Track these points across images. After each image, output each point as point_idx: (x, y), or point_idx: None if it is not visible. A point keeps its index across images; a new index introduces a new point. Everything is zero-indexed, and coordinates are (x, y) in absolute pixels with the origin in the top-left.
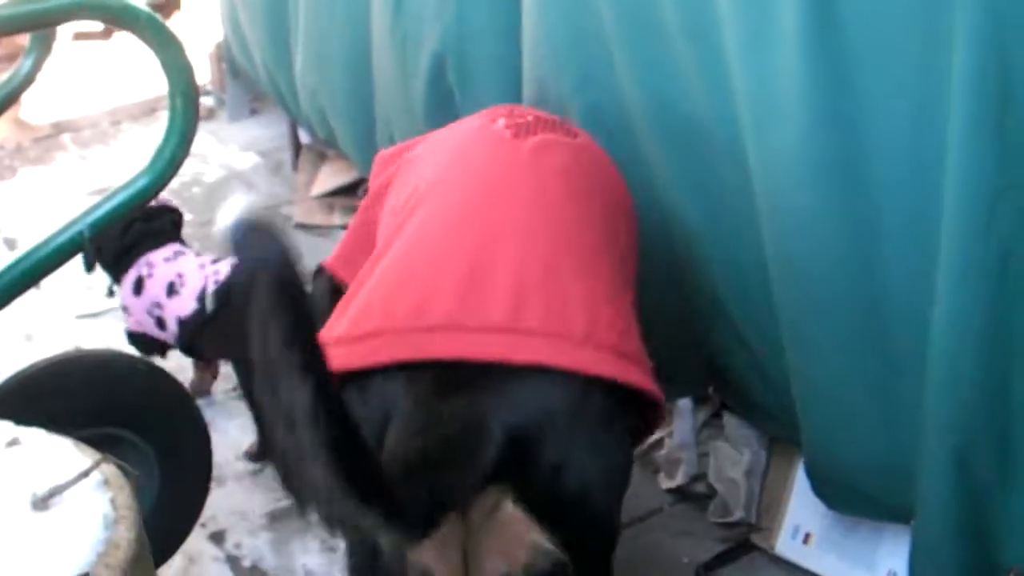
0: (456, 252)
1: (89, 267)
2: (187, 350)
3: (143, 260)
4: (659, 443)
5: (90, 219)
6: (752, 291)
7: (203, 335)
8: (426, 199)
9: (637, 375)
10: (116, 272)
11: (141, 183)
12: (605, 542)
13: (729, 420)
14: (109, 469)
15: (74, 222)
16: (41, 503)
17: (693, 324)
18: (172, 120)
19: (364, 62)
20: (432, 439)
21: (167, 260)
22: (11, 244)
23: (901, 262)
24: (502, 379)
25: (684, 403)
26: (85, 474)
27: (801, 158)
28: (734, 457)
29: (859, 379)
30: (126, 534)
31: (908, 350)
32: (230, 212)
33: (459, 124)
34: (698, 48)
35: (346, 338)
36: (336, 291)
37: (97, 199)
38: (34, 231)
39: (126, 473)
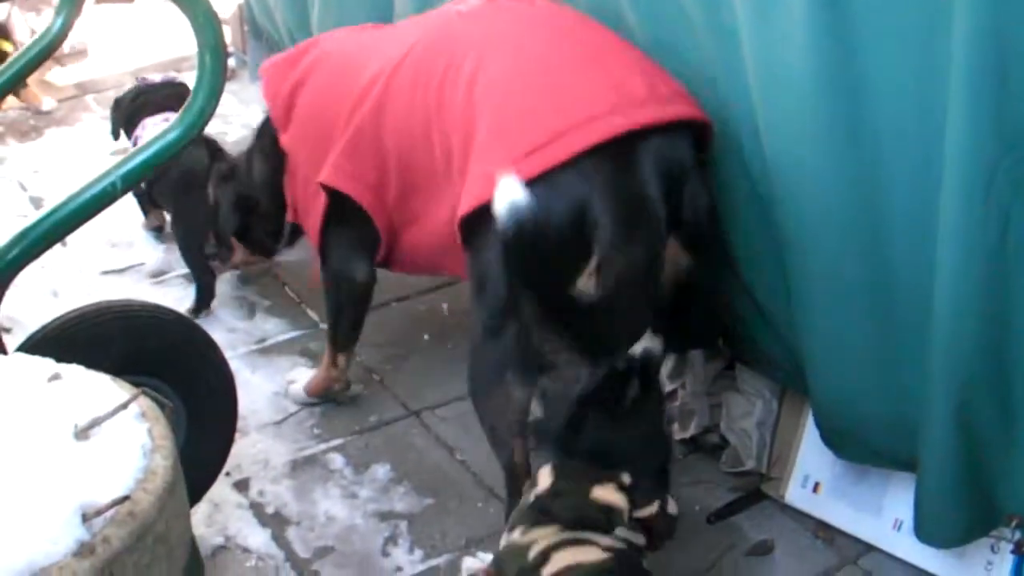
0: (569, 68)
1: (115, 134)
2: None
3: (142, 122)
4: (672, 394)
5: (122, 171)
6: (760, 250)
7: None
8: (484, 56)
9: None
10: (127, 130)
11: (172, 135)
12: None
13: (741, 372)
14: (145, 402)
15: (107, 173)
16: (82, 433)
17: (703, 280)
18: (201, 74)
19: (385, 19)
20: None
21: (156, 125)
22: (37, 203)
23: (904, 221)
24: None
25: (696, 355)
26: (123, 406)
27: (806, 121)
28: (746, 408)
29: (863, 334)
30: (163, 462)
31: (911, 306)
32: None
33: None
34: (711, 20)
35: (521, 156)
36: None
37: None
38: (60, 190)
39: (161, 406)
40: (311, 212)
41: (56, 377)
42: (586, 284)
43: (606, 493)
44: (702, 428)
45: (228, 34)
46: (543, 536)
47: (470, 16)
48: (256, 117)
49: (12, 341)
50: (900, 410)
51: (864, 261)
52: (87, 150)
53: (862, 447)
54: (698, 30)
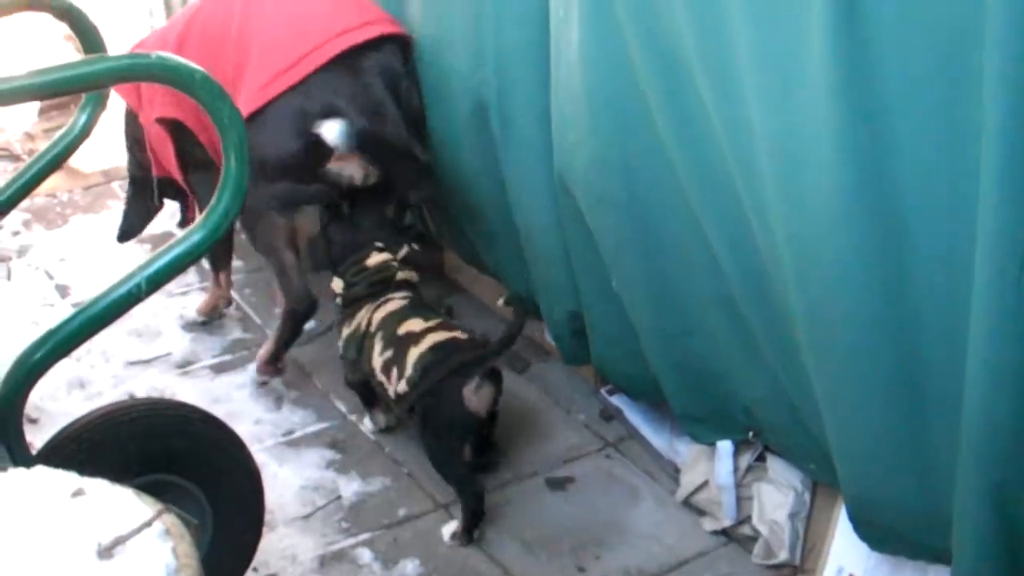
0: (307, 11)
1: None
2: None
3: None
4: (703, 485)
5: (146, 273)
6: (784, 341)
7: None
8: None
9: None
10: None
11: (196, 237)
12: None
13: (772, 462)
14: (170, 519)
15: (131, 276)
16: (106, 552)
17: (732, 372)
18: (226, 176)
19: None
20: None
21: None
22: (63, 291)
23: (934, 306)
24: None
25: (724, 445)
26: (148, 524)
27: (830, 206)
28: (778, 499)
29: (893, 425)
30: None
31: (942, 394)
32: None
33: None
34: (726, 110)
35: (280, 72)
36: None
37: (145, 247)
38: (86, 279)
39: (186, 523)
40: (165, 153)
41: (79, 493)
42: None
43: (374, 259)
44: (733, 520)
45: None
46: (362, 315)
47: None
48: None
49: (38, 431)
50: (933, 501)
51: (892, 350)
52: (113, 238)
53: (896, 539)
54: (712, 119)
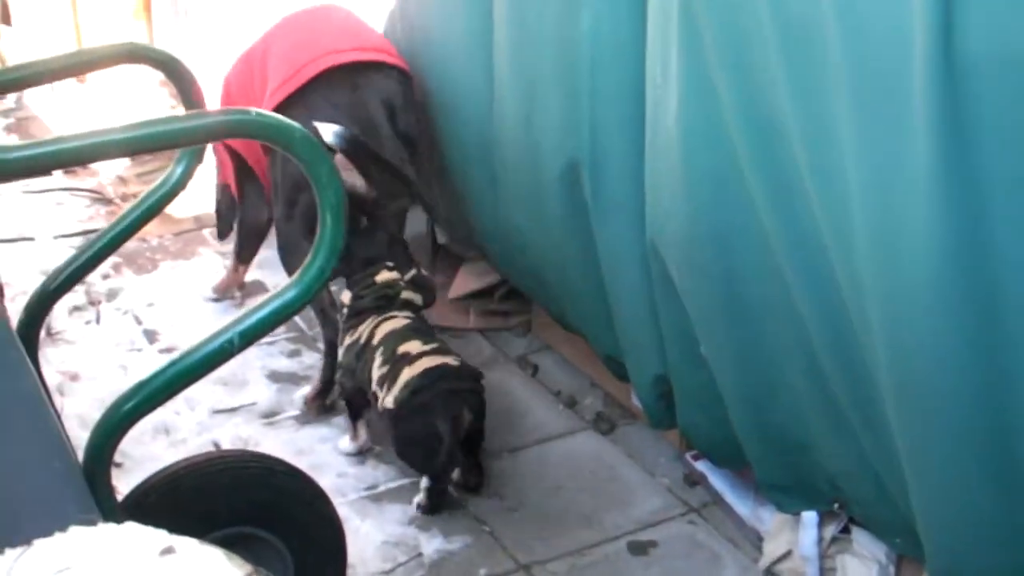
0: (314, 37)
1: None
2: None
3: None
4: (787, 555)
5: (239, 328)
6: (874, 412)
7: None
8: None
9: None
10: None
11: (290, 295)
12: None
13: (857, 534)
14: None
15: (224, 331)
16: None
17: (818, 442)
18: (322, 234)
19: (491, 170)
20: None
21: None
22: (151, 336)
23: None
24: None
25: (808, 515)
26: None
27: (926, 286)
28: (862, 572)
29: (982, 499)
30: None
31: None
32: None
33: None
34: (824, 185)
35: (282, 81)
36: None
37: (236, 298)
38: (174, 324)
39: None
40: (226, 167)
41: (168, 551)
42: None
43: (383, 275)
44: None
45: None
46: (365, 327)
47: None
48: None
49: (123, 476)
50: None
51: (982, 425)
52: (202, 284)
53: None
54: (810, 194)
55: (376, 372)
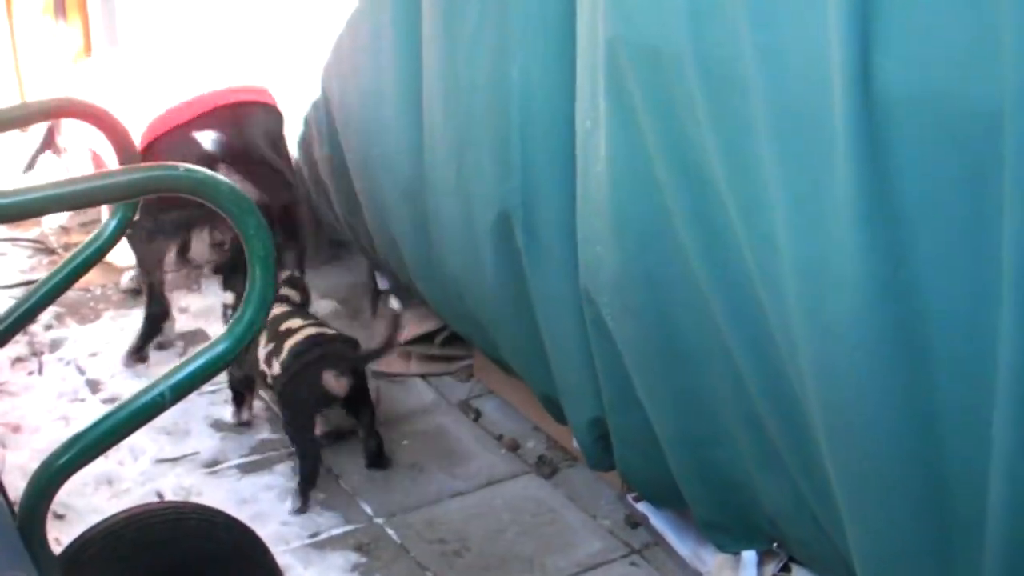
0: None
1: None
2: None
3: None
4: None
5: (170, 382)
6: (809, 451)
7: None
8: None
9: None
10: None
11: (220, 348)
12: None
13: (797, 572)
14: None
15: (155, 384)
16: None
17: (755, 482)
18: (252, 286)
19: (424, 219)
20: None
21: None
22: (94, 386)
23: (957, 422)
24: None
25: (749, 555)
26: None
27: (856, 331)
28: None
29: (915, 538)
30: None
31: (966, 507)
32: None
33: None
34: (750, 227)
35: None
36: None
37: (178, 347)
38: (117, 374)
39: None
40: None
41: None
42: None
43: None
44: None
45: None
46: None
47: None
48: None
49: (65, 527)
50: None
51: (915, 465)
52: None
53: None
54: (738, 236)
55: (262, 352)
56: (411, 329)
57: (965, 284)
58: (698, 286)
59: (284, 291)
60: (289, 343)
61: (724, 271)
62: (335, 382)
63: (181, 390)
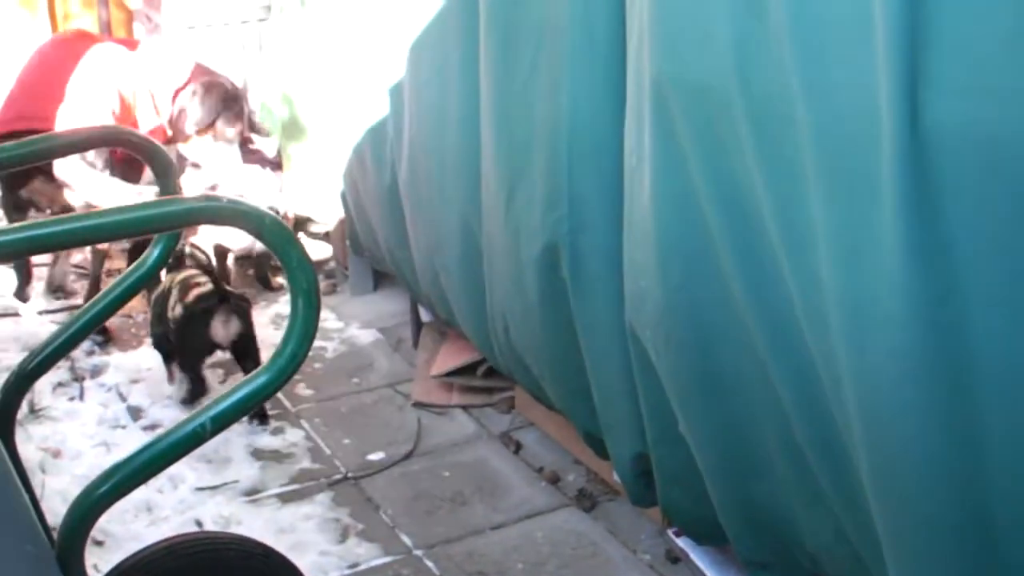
0: None
1: None
2: None
3: None
4: None
5: (211, 413)
6: (853, 488)
7: None
8: None
9: None
10: None
11: (261, 380)
12: None
13: None
14: None
15: (196, 416)
16: None
17: (797, 518)
18: (293, 319)
19: (476, 250)
20: None
21: None
22: (135, 413)
23: (1008, 471)
24: None
25: None
26: None
27: (901, 368)
28: None
29: None
30: None
31: (1014, 557)
32: None
33: None
34: (795, 260)
35: None
36: None
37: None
38: (158, 401)
39: None
40: None
41: None
42: None
43: None
44: None
45: (330, 249)
46: (166, 280)
47: None
48: (355, 333)
49: (104, 554)
50: None
51: (960, 505)
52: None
53: None
54: (783, 271)
55: (172, 310)
56: (452, 360)
57: (1014, 321)
58: (742, 321)
59: (190, 250)
60: (190, 294)
61: (768, 306)
62: (222, 329)
63: (222, 422)
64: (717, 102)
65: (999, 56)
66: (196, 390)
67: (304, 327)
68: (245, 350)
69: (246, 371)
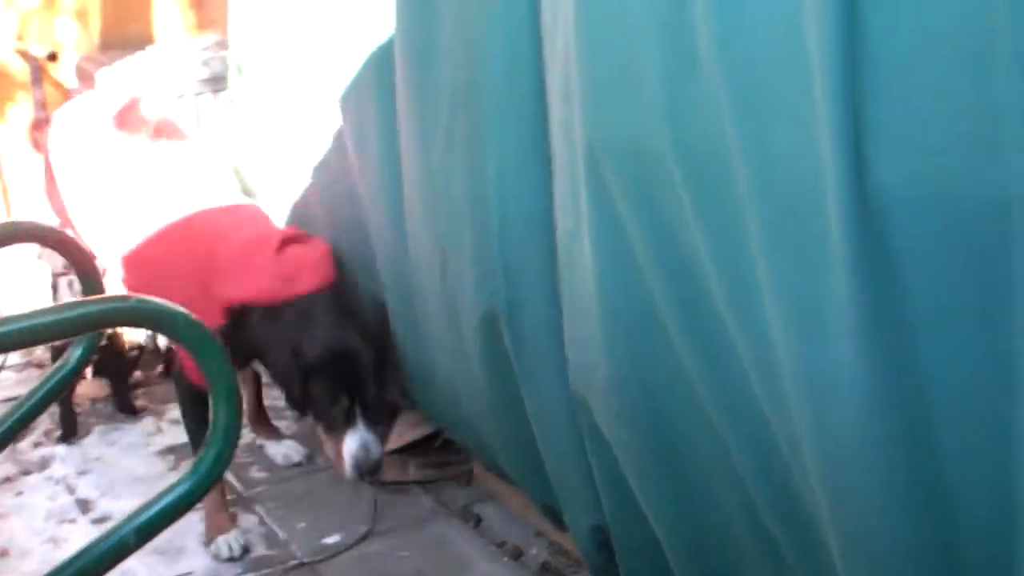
0: None
1: None
2: None
3: None
4: None
5: (135, 524)
6: (817, 556)
7: None
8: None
9: None
10: None
11: (185, 487)
12: None
13: None
14: None
15: (120, 527)
16: None
17: None
18: (215, 426)
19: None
20: None
21: None
22: (84, 506)
23: (977, 534)
24: None
25: None
26: None
27: (863, 433)
28: None
29: None
30: None
31: None
32: None
33: None
34: (744, 324)
35: None
36: None
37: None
38: (109, 493)
39: None
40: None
41: None
42: None
43: None
44: None
45: None
46: None
47: None
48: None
49: None
50: None
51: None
52: (136, 449)
53: None
54: (735, 342)
55: None
56: (407, 435)
57: (976, 380)
58: (693, 389)
59: None
60: None
61: (720, 374)
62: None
63: (147, 533)
64: (654, 166)
65: (947, 105)
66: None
67: (225, 432)
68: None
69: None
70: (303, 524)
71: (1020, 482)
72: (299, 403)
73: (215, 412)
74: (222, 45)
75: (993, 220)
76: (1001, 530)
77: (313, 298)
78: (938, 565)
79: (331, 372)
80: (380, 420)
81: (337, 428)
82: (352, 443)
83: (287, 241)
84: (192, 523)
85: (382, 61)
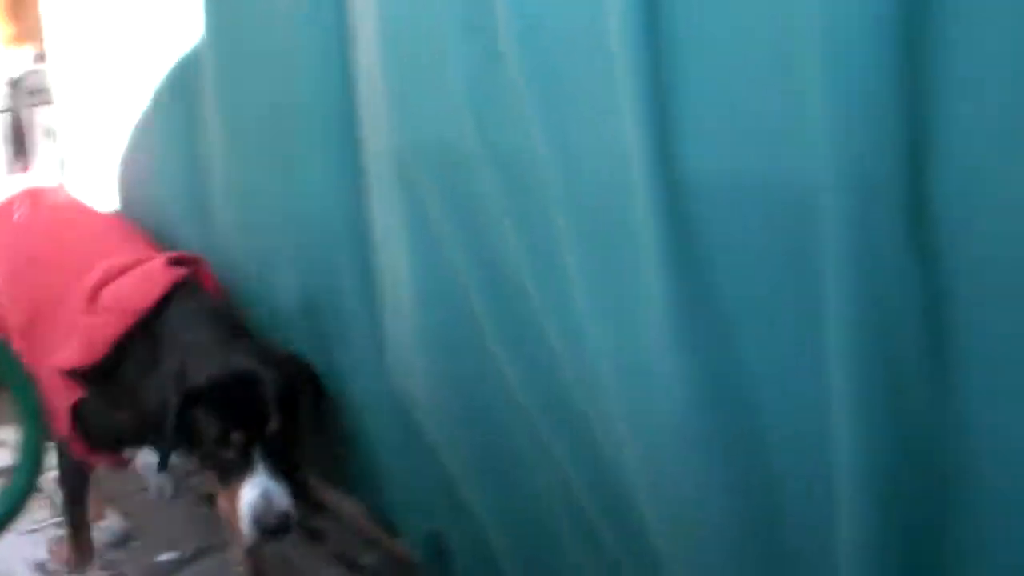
0: None
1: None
2: None
3: None
4: None
5: None
6: (648, 555)
7: None
8: None
9: None
10: None
11: None
12: None
13: None
14: None
15: None
16: None
17: None
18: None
19: None
20: None
21: None
22: None
23: (798, 523)
24: None
25: None
26: None
27: (684, 430)
28: None
29: None
30: None
31: None
32: None
33: None
34: (560, 324)
35: None
36: None
37: None
38: None
39: None
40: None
41: None
42: None
43: None
44: None
45: None
46: None
47: None
48: None
49: None
50: None
51: (753, 556)
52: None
53: None
54: (550, 337)
55: None
56: None
57: (791, 371)
58: (512, 393)
59: None
60: None
61: (538, 376)
62: None
63: None
64: (463, 167)
65: (750, 95)
66: None
67: (33, 456)
68: None
69: None
70: (136, 543)
71: (838, 471)
72: (171, 442)
73: (25, 437)
74: (40, 58)
75: (801, 211)
76: (820, 520)
77: (182, 310)
78: (758, 548)
79: (218, 400)
80: (288, 463)
81: (231, 475)
82: (250, 493)
83: (108, 278)
84: (19, 548)
85: (190, 67)
